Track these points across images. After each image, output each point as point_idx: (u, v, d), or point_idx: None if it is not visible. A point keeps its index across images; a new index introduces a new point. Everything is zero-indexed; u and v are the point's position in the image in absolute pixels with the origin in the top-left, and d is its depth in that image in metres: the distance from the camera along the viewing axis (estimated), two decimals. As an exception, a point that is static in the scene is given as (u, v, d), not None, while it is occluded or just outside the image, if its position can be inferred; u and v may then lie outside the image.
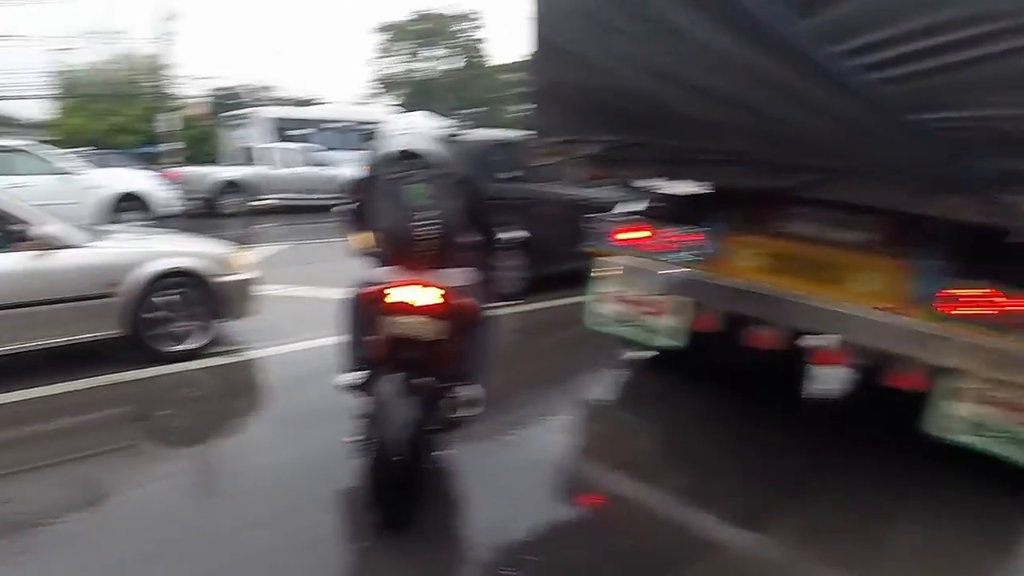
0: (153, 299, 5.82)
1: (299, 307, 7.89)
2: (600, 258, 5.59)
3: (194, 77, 34.81)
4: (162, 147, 27.02)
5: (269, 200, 19.32)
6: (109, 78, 31.77)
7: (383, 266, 3.71)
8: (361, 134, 23.23)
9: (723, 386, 5.71)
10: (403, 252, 3.62)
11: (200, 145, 29.43)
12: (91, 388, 5.37)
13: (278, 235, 14.75)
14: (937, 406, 4.15)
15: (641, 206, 5.64)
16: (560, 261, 8.33)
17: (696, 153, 4.43)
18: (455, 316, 3.61)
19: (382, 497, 3.53)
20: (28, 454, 4.54)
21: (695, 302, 5.08)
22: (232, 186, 18.79)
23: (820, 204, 4.45)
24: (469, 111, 40.71)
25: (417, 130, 3.95)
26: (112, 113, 29.78)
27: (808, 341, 4.74)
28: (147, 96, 30.55)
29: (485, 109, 45.41)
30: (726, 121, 4.09)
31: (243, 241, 12.31)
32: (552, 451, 4.69)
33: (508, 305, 7.65)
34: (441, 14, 49.67)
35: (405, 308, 3.55)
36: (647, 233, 5.35)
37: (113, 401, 5.32)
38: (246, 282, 6.40)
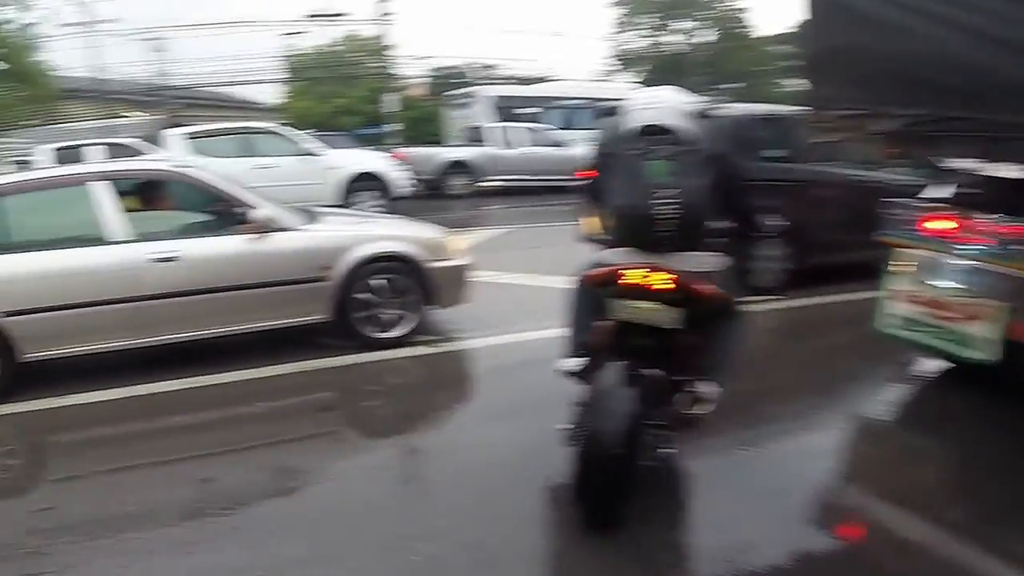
0: (362, 284, 5.87)
1: (514, 295, 7.78)
2: (897, 250, 4.88)
3: (416, 57, 35.69)
4: (385, 128, 27.98)
5: (496, 181, 19.44)
6: (333, 60, 33.34)
7: (615, 247, 3.55)
8: (595, 112, 22.91)
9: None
10: (638, 232, 3.46)
11: (422, 125, 30.39)
12: (295, 373, 5.50)
13: (502, 218, 14.85)
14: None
15: (948, 191, 4.92)
16: (833, 251, 7.71)
17: None
18: (692, 304, 3.38)
19: (589, 492, 3.33)
20: (231, 435, 4.75)
21: (1012, 307, 4.33)
22: (458, 167, 19.13)
23: None
24: (725, 86, 39.28)
25: (664, 104, 3.66)
26: (336, 95, 31.16)
27: None
28: (370, 77, 31.81)
29: (743, 84, 43.77)
30: None
31: (466, 224, 12.56)
32: (807, 470, 4.06)
33: (763, 300, 6.77)
34: None
35: (636, 291, 3.37)
36: (956, 223, 4.62)
37: (317, 387, 5.43)
38: (458, 268, 6.30)
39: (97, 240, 5.31)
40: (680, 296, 3.34)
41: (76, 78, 32.74)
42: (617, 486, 3.29)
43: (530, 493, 3.72)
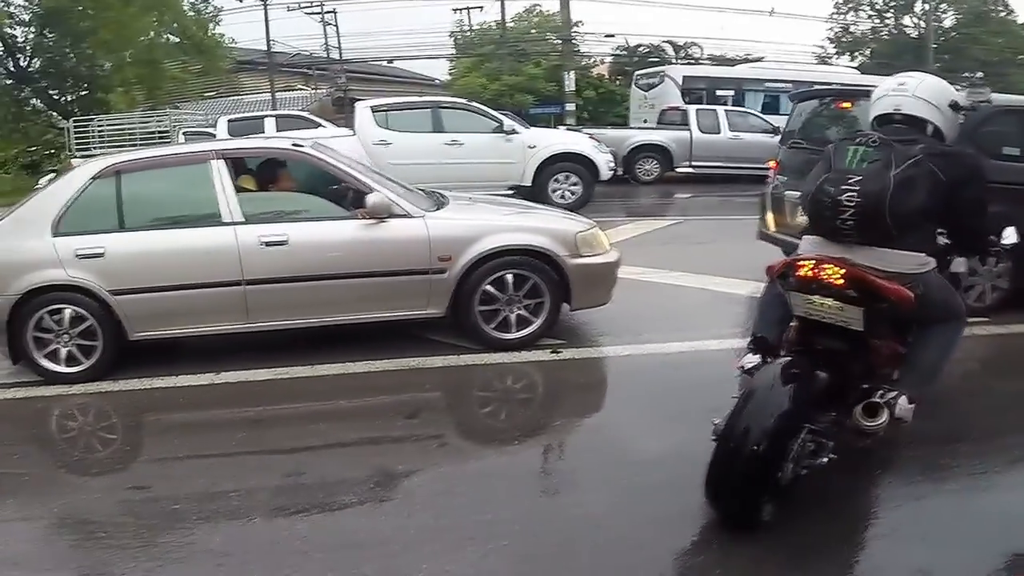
0: (486, 278, 5.68)
1: (664, 298, 7.41)
2: None
3: (601, 34, 35.24)
4: (564, 108, 27.71)
5: (690, 168, 18.85)
6: (506, 36, 33.50)
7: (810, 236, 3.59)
8: (791, 97, 21.99)
9: None
10: (821, 221, 3.49)
11: (603, 107, 30.05)
12: (402, 370, 5.45)
13: (681, 208, 14.60)
14: None
15: None
16: None
17: None
18: (873, 303, 3.29)
19: (723, 489, 3.30)
20: (330, 430, 4.74)
21: None
22: (648, 150, 18.65)
23: None
24: (972, 75, 37.07)
25: (911, 93, 3.56)
26: (508, 72, 31.27)
27: None
28: (547, 54, 31.76)
29: (983, 74, 41.15)
30: None
31: (639, 213, 12.31)
32: (988, 534, 3.45)
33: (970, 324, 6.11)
34: None
35: (813, 286, 3.35)
36: None
37: (426, 386, 5.36)
38: (599, 266, 5.97)
39: (209, 220, 5.42)
40: (856, 293, 3.27)
41: (250, 50, 34.34)
42: (751, 485, 3.23)
43: (657, 500, 3.65)
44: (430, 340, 5.86)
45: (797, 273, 3.38)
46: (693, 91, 22.69)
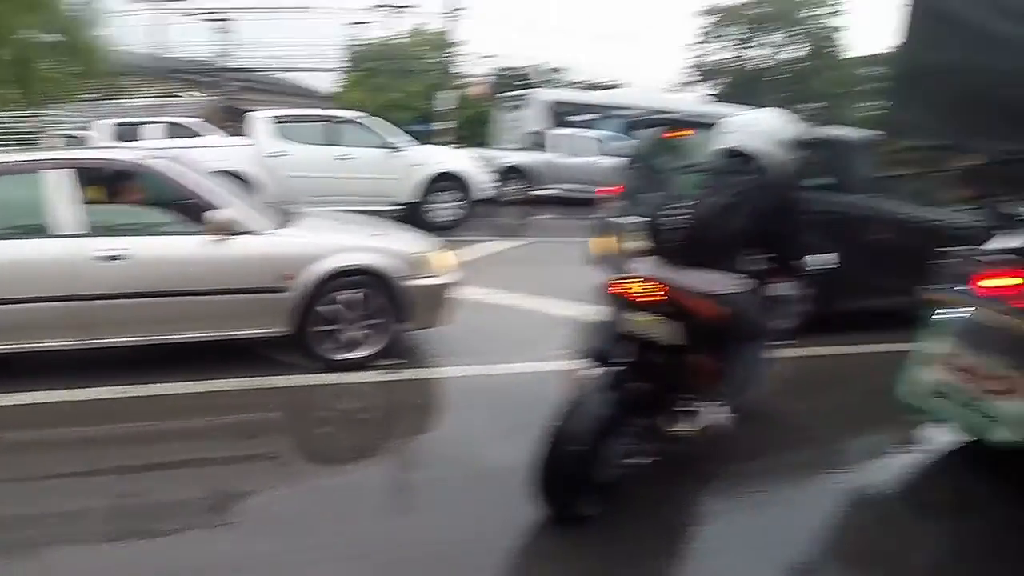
0: (327, 298, 5.65)
1: (504, 319, 7.52)
2: (943, 308, 4.37)
3: (481, 55, 35.56)
4: (434, 126, 27.90)
5: (551, 190, 19.03)
6: (393, 53, 33.47)
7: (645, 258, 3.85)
8: (628, 125, 22.58)
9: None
10: (657, 244, 3.82)
11: (478, 127, 30.28)
12: (242, 390, 5.36)
13: (532, 229, 14.65)
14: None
15: (1018, 241, 4.41)
16: (867, 296, 7.12)
17: None
18: (690, 320, 3.58)
19: (548, 485, 3.54)
20: (167, 451, 4.61)
21: None
22: (515, 172, 18.73)
23: None
24: (806, 106, 38.60)
25: (757, 128, 3.96)
26: (391, 88, 31.24)
27: None
28: (430, 72, 31.85)
29: (824, 105, 42.84)
30: None
31: (493, 233, 12.43)
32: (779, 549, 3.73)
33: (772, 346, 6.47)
34: None
35: (635, 303, 3.60)
36: (1020, 281, 4.12)
37: (265, 406, 5.32)
38: (439, 287, 6.02)
39: (45, 232, 5.23)
40: (674, 310, 3.54)
41: (137, 54, 33.30)
42: (573, 481, 3.51)
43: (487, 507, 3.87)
44: (274, 359, 5.79)
45: (622, 291, 3.62)
46: (558, 115, 23.07)
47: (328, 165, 12.86)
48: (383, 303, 5.77)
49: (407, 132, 24.00)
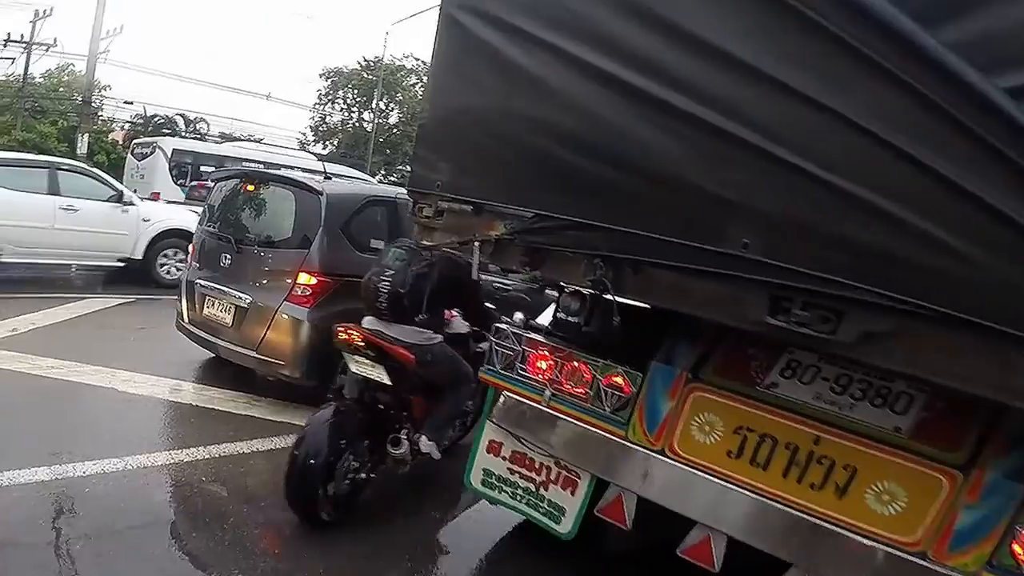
0: None
1: (52, 402, 6.38)
2: (501, 390, 4.08)
3: (122, 100, 32.59)
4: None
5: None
6: (28, 91, 29.69)
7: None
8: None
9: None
10: (369, 304, 4.59)
11: (115, 172, 27.55)
12: None
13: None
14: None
15: (548, 317, 4.16)
16: None
17: (662, 251, 2.92)
18: (391, 364, 4.36)
19: (290, 493, 4.37)
20: None
21: (598, 479, 3.72)
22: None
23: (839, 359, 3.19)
24: (400, 168, 39.55)
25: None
26: (20, 127, 27.59)
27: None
28: (66, 113, 28.62)
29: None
30: (742, 193, 2.67)
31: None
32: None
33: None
34: (394, 65, 48.34)
35: (352, 349, 4.41)
36: (549, 363, 3.88)
37: None
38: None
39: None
40: (373, 353, 4.35)
41: None
42: (308, 490, 4.28)
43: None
44: None
45: (339, 338, 4.42)
46: (181, 164, 21.74)
47: (47, 215, 11.49)
48: None
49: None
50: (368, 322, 4.57)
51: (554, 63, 3.09)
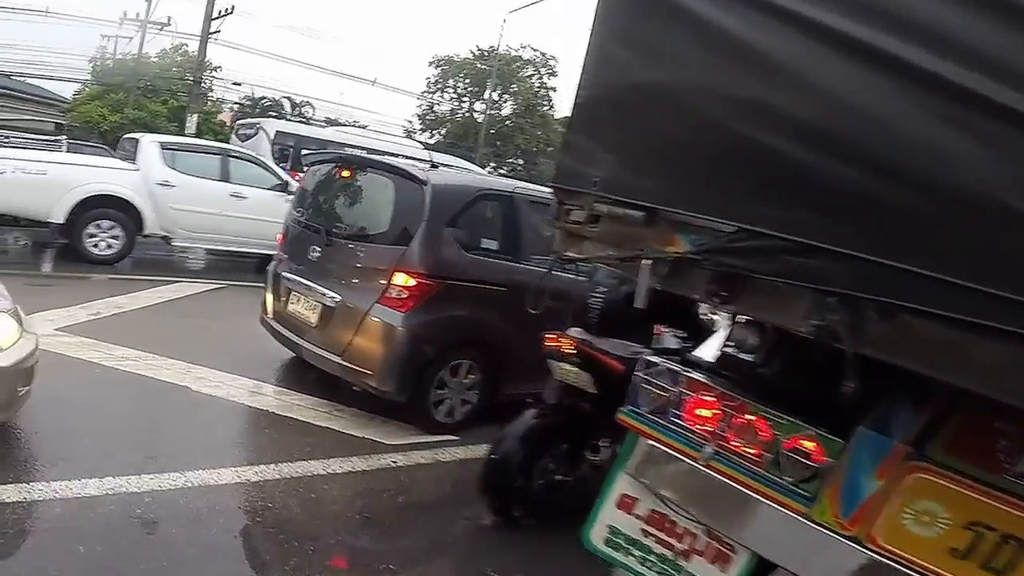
0: None
1: (129, 402, 5.98)
2: (637, 435, 3.38)
3: (232, 82, 33.12)
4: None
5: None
6: (141, 70, 30.32)
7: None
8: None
9: None
10: (577, 318, 4.83)
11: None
12: None
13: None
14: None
15: (713, 350, 3.50)
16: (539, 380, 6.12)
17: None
18: (599, 372, 4.34)
19: (488, 487, 4.62)
20: None
21: (760, 559, 3.00)
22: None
23: None
24: (511, 162, 38.87)
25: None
26: (133, 105, 28.13)
27: None
28: (178, 94, 29.08)
29: (522, 161, 43.32)
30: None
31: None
32: None
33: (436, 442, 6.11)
34: (509, 55, 47.30)
35: (560, 355, 4.47)
36: (715, 411, 3.11)
37: None
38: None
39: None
40: (584, 362, 4.36)
41: None
42: (506, 486, 4.55)
43: None
44: None
45: (547, 344, 4.51)
46: (284, 146, 21.57)
47: (219, 201, 11.90)
48: None
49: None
50: (575, 332, 4.59)
51: (786, 31, 2.35)
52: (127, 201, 11.30)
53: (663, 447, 3.21)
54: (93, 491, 4.26)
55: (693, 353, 3.58)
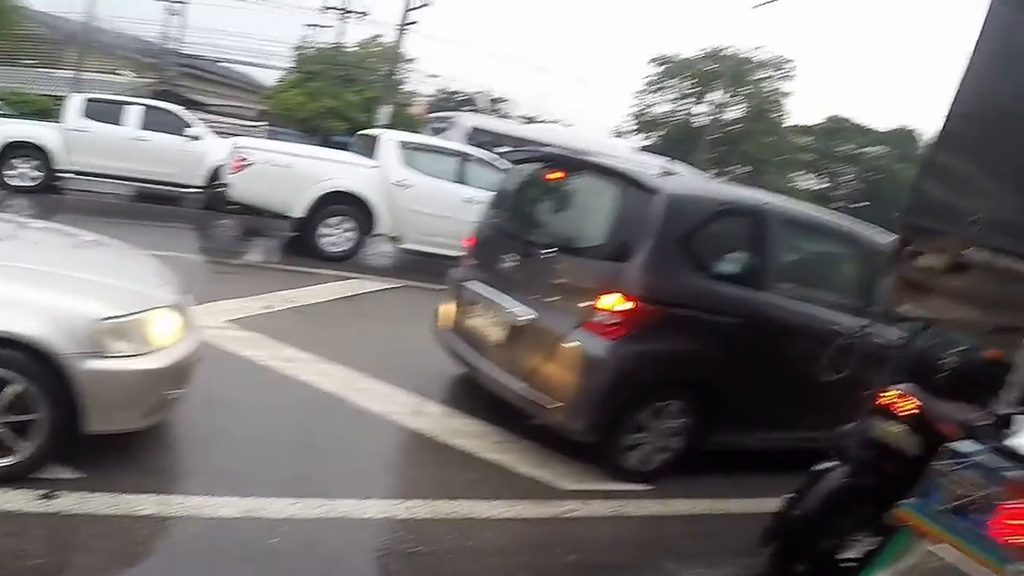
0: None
1: (287, 411, 5.59)
2: (919, 537, 3.08)
3: (427, 74, 33.64)
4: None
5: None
6: (339, 59, 31.15)
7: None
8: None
9: None
10: (919, 376, 4.28)
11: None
12: None
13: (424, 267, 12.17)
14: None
15: None
16: (756, 429, 5.77)
17: None
18: (934, 438, 3.71)
19: (784, 548, 4.27)
20: None
21: None
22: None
23: None
24: (733, 168, 37.26)
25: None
26: (329, 94, 28.84)
27: None
28: (373, 85, 29.65)
29: (750, 169, 41.36)
30: None
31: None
32: None
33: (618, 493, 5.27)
34: (739, 56, 45.57)
35: (891, 413, 4.06)
36: None
37: None
38: (127, 374, 3.85)
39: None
40: (920, 424, 3.94)
41: (71, 23, 30.05)
42: (809, 544, 4.21)
43: None
44: None
45: (879, 401, 4.15)
46: (480, 143, 21.21)
47: (453, 205, 11.32)
48: (34, 391, 3.61)
49: (333, 143, 21.96)
50: (907, 387, 4.16)
51: None
52: (362, 199, 11.22)
53: (954, 554, 2.83)
54: (231, 511, 3.96)
55: (1014, 440, 3.04)
